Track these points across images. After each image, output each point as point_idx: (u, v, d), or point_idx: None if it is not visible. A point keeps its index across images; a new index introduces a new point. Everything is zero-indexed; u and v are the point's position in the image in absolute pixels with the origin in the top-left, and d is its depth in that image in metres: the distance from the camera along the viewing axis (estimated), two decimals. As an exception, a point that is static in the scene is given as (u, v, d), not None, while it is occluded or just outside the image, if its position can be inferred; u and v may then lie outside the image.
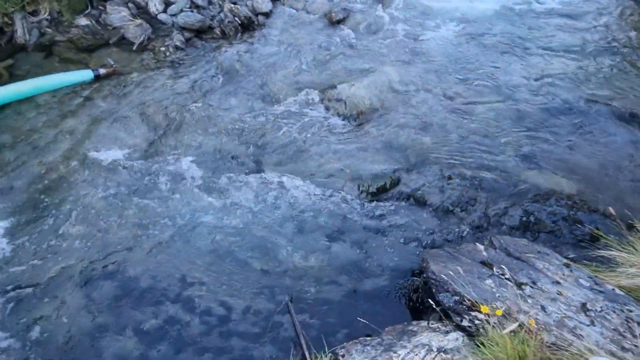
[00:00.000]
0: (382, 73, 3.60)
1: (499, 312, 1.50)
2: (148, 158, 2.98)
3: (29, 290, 2.34)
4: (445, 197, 2.67)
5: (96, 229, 2.58)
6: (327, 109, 3.37)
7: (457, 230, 2.51)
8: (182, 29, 3.94)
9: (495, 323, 1.57)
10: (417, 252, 2.47)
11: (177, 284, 2.40)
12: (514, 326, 1.41)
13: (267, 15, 4.20)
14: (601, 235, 2.17)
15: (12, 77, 3.40)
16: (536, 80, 3.48)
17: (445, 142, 3.06)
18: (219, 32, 3.98)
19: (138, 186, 2.81)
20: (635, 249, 2.02)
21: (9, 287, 2.33)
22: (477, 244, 2.13)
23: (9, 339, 2.17)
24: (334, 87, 3.45)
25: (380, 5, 4.42)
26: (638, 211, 2.36)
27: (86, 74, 3.42)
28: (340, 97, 3.35)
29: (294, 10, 4.30)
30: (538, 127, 3.10)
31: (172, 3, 4.09)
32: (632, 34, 4.02)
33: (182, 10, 4.03)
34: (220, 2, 4.26)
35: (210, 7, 4.18)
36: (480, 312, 1.71)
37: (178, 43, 3.85)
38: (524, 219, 2.53)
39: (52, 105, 3.23)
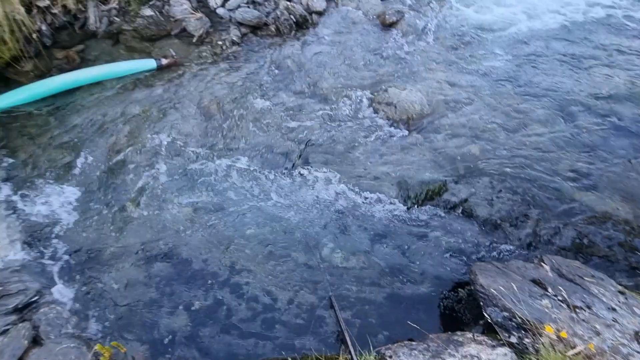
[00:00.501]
0: (433, 79, 3.58)
1: (564, 335, 1.49)
2: (202, 146, 3.13)
3: (93, 259, 2.54)
4: (494, 211, 2.64)
5: (154, 209, 2.75)
6: (375, 111, 3.40)
7: (505, 245, 2.49)
8: (239, 24, 4.07)
9: (549, 343, 1.57)
10: (462, 263, 2.47)
11: (226, 269, 2.53)
12: (579, 349, 1.41)
13: (320, 14, 4.26)
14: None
15: (83, 61, 3.65)
16: (597, 98, 3.35)
17: (496, 154, 3.02)
18: (273, 29, 4.09)
19: (192, 172, 2.96)
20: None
21: (74, 255, 2.54)
22: (531, 261, 2.11)
23: (71, 301, 2.37)
24: (384, 90, 3.47)
25: (434, 11, 4.37)
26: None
27: (150, 63, 3.62)
28: (390, 101, 3.37)
29: (347, 10, 4.33)
30: (596, 146, 2.99)
31: (231, -2, 4.22)
32: None
33: (239, 6, 4.16)
34: (276, 0, 4.36)
35: (266, 3, 4.28)
36: (530, 330, 1.71)
37: (234, 38, 3.99)
38: (577, 240, 2.47)
39: (118, 90, 3.45)
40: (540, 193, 2.72)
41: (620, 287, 2.05)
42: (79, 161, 2.92)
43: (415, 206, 2.75)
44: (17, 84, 3.30)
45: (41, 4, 3.65)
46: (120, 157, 2.96)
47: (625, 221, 2.55)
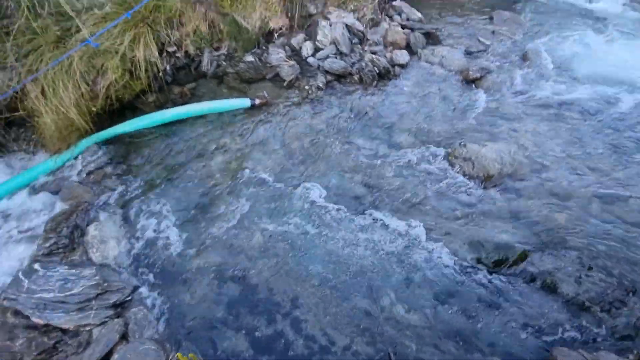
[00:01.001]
0: (516, 138, 3.47)
1: None
2: (281, 181, 3.39)
3: (176, 272, 2.84)
4: (582, 290, 2.38)
5: (234, 234, 3.01)
6: (451, 165, 3.38)
7: (594, 332, 2.21)
8: (326, 72, 4.45)
9: None
10: (539, 343, 2.24)
11: (289, 302, 2.63)
12: None
13: (403, 66, 4.47)
14: None
15: (193, 97, 4.29)
16: None
17: (586, 226, 2.76)
18: (356, 79, 4.38)
19: (271, 204, 3.21)
20: None
21: (163, 264, 2.87)
22: (625, 357, 1.85)
23: (154, 307, 2.65)
24: (462, 145, 3.45)
25: (522, 68, 4.31)
26: None
27: (245, 102, 4.11)
28: (467, 156, 3.32)
29: (430, 65, 4.48)
30: None
31: (321, 49, 4.67)
32: None
33: (328, 56, 4.57)
34: (361, 52, 4.70)
35: (352, 55, 4.64)
36: None
37: (320, 84, 4.36)
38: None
39: (216, 124, 3.96)
40: (627, 257, 2.40)
41: None
42: (179, 182, 3.37)
43: (489, 271, 2.60)
44: (142, 112, 3.98)
45: (170, 49, 4.44)
46: (211, 182, 3.35)
47: None
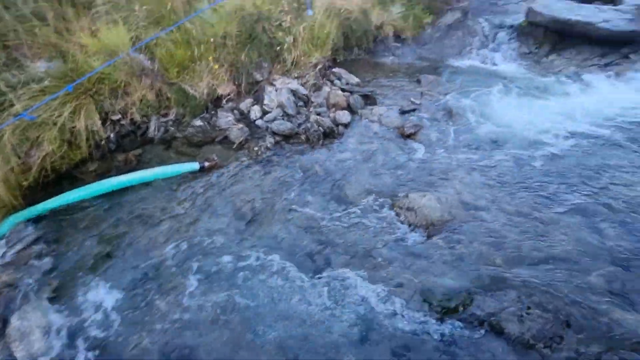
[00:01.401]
0: (453, 187, 3.78)
1: None
2: (232, 247, 3.31)
3: (119, 354, 2.54)
4: (525, 329, 2.50)
5: (181, 308, 2.82)
6: (397, 215, 3.55)
7: (541, 370, 2.29)
8: (274, 133, 4.65)
9: None
10: (494, 390, 2.26)
11: (242, 379, 2.44)
12: None
13: (346, 125, 4.81)
14: None
15: (139, 163, 4.21)
16: (629, 210, 3.36)
17: (521, 265, 2.98)
18: (303, 138, 4.62)
19: (220, 270, 3.09)
20: None
21: (102, 348, 2.57)
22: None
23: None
24: (404, 196, 3.68)
25: (449, 122, 4.84)
26: None
27: (193, 166, 4.10)
28: (411, 207, 3.53)
29: (370, 123, 4.88)
30: (630, 260, 2.91)
31: (268, 112, 4.92)
32: None
33: (275, 119, 4.82)
34: (307, 113, 5.02)
35: (299, 116, 4.93)
36: None
37: (269, 145, 4.52)
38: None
39: (163, 190, 3.87)
40: (574, 311, 2.58)
41: None
42: (119, 256, 3.16)
43: (440, 319, 2.66)
44: (81, 182, 3.80)
45: (114, 118, 4.41)
46: (156, 254, 3.18)
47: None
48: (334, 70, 5.78)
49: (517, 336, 2.49)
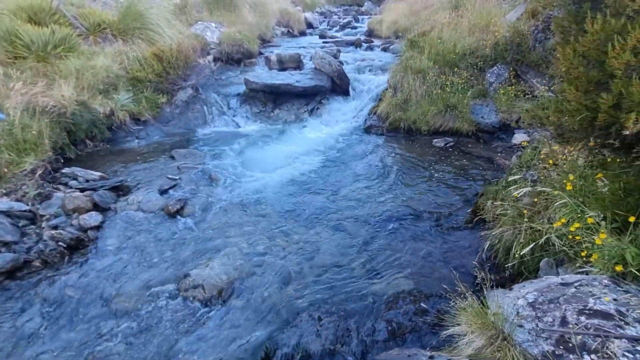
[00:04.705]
0: (230, 246, 3.90)
1: None
2: None
3: None
4: (324, 340, 2.81)
5: None
6: (185, 299, 3.29)
7: (344, 368, 2.61)
8: (-13, 275, 3.39)
9: None
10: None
11: None
12: None
13: (98, 228, 4.13)
14: (442, 318, 2.66)
15: None
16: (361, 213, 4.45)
17: (305, 285, 3.37)
18: (39, 264, 3.60)
19: None
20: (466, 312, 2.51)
21: None
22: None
23: None
24: (187, 275, 3.47)
25: (212, 187, 5.04)
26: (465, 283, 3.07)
27: None
28: (196, 283, 3.36)
29: (130, 213, 4.40)
30: (370, 243, 3.85)
31: (-30, 251, 3.56)
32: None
33: (-16, 255, 3.54)
34: (38, 231, 3.99)
35: (24, 239, 3.84)
36: None
37: (-19, 294, 3.24)
38: (389, 328, 2.88)
39: None
40: (349, 302, 3.15)
41: (429, 353, 2.45)
42: None
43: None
44: None
45: None
46: None
47: (409, 292, 3.23)
48: (64, 170, 4.92)
49: (320, 352, 2.75)
